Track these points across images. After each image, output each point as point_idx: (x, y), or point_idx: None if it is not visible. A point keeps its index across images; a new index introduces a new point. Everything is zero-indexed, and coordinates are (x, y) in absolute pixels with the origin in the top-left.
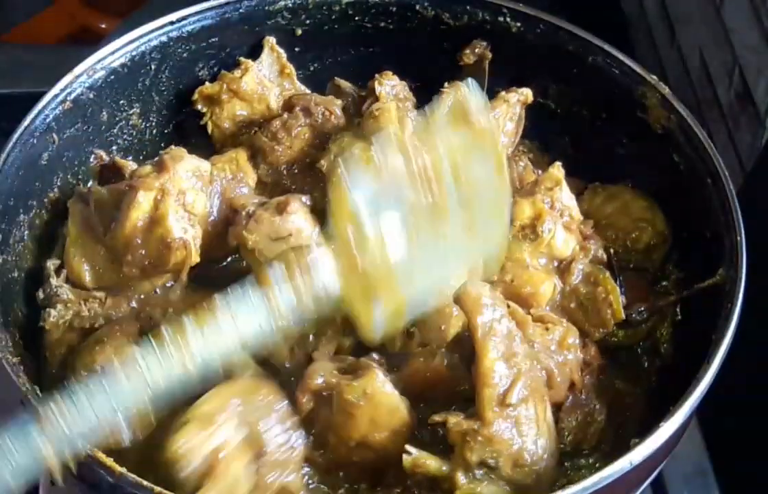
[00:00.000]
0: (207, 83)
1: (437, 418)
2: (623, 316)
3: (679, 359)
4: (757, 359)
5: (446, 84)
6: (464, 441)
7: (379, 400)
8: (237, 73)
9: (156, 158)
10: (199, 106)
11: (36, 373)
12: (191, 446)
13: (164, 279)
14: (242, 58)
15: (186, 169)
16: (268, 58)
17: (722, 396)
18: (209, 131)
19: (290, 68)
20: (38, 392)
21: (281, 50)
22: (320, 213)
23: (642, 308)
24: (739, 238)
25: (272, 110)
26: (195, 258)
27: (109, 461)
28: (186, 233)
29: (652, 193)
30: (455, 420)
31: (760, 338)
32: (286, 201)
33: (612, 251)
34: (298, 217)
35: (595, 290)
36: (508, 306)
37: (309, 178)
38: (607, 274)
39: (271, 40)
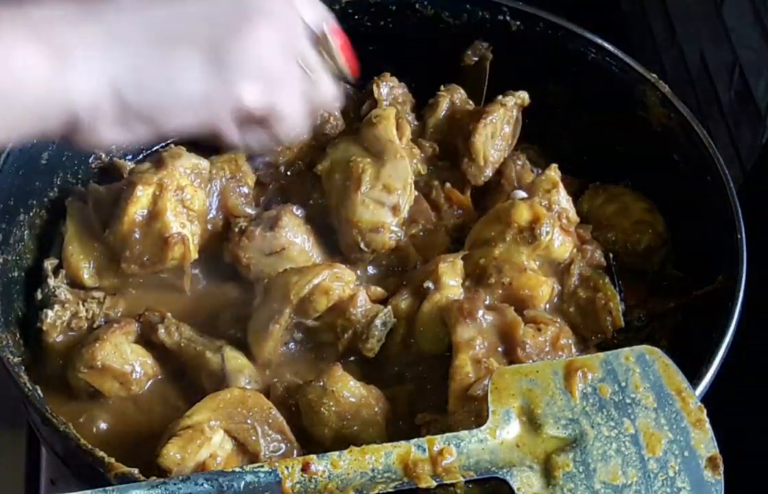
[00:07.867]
0: None
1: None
2: (622, 324)
3: (679, 358)
4: (757, 359)
5: (442, 87)
6: (427, 431)
7: (341, 393)
8: None
9: (155, 154)
10: None
11: (37, 373)
12: (183, 456)
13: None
14: None
15: (184, 165)
16: None
17: (722, 397)
18: None
19: None
20: (39, 392)
21: None
22: (314, 220)
23: (642, 316)
24: (739, 237)
25: None
26: (194, 255)
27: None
28: (184, 228)
29: (652, 192)
30: (421, 414)
31: (760, 338)
32: (277, 215)
33: (612, 253)
34: (290, 230)
35: (594, 296)
36: (499, 310)
37: (307, 180)
38: (607, 280)
39: None
